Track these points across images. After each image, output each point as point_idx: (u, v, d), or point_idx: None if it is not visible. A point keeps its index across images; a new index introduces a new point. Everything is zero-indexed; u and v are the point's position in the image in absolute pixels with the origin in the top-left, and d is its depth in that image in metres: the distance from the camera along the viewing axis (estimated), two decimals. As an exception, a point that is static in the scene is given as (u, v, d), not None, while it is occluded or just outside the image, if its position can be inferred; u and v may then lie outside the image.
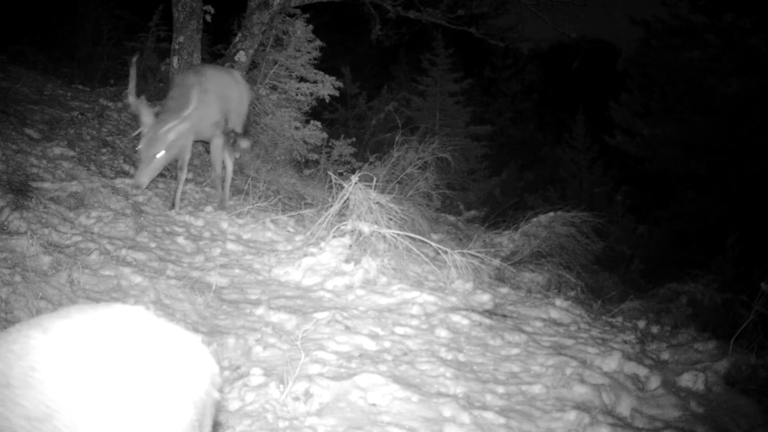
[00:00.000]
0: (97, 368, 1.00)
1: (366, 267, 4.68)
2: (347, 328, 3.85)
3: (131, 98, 4.92)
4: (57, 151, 5.75)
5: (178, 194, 5.43)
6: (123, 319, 1.08)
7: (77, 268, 3.78)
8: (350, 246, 4.88)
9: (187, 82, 5.19)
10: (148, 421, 0.99)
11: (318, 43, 8.07)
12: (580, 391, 3.36)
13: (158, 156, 4.87)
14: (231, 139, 5.99)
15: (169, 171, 6.02)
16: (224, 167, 5.95)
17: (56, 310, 1.10)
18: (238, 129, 6.00)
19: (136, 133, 4.97)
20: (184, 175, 5.46)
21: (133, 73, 4.95)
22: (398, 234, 4.99)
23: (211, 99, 5.40)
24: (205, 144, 7.21)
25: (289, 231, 5.55)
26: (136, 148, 4.93)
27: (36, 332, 1.02)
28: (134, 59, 5.04)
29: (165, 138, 4.86)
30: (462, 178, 12.99)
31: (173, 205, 5.38)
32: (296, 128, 8.05)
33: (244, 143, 6.15)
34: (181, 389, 1.04)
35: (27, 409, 0.93)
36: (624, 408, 3.34)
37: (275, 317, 3.88)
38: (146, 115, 4.88)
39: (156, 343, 1.06)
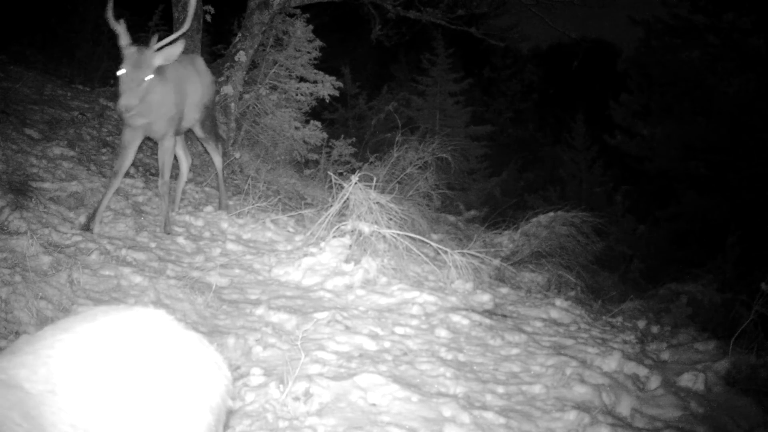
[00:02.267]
0: (126, 374, 1.01)
1: (366, 267, 4.68)
2: (347, 328, 3.85)
3: (109, 15, 4.39)
4: (57, 151, 5.75)
5: (103, 205, 4.69)
6: (145, 324, 1.10)
7: (77, 268, 3.78)
8: (350, 246, 4.88)
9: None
10: (171, 425, 1.01)
11: (318, 43, 8.07)
12: (580, 391, 3.37)
13: (146, 79, 4.33)
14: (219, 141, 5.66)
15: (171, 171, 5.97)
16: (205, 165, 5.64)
17: (80, 313, 1.11)
18: (199, 132, 5.50)
19: (127, 48, 4.34)
20: (112, 190, 4.72)
21: None
22: (398, 234, 4.99)
23: (170, 87, 4.75)
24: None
25: (289, 231, 5.55)
26: (118, 73, 4.31)
27: (67, 336, 1.03)
28: None
29: (153, 58, 4.35)
30: (462, 178, 12.98)
31: (91, 222, 4.63)
32: (296, 128, 8.05)
33: (217, 159, 5.74)
34: (201, 395, 1.05)
35: (71, 417, 0.94)
36: (624, 408, 3.34)
37: (275, 317, 3.88)
38: (125, 37, 4.36)
39: (177, 350, 1.08)
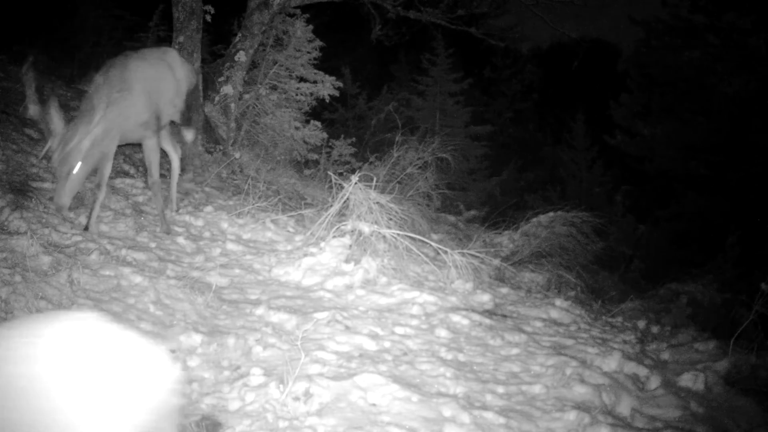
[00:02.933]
0: (58, 378, 1.00)
1: (366, 267, 4.68)
2: (347, 328, 3.85)
3: (32, 108, 4.15)
4: (57, 151, 5.74)
5: (94, 214, 4.61)
6: (85, 329, 1.09)
7: (77, 268, 3.78)
8: (350, 246, 4.88)
9: (98, 81, 4.46)
10: (100, 427, 1.00)
11: (318, 43, 8.08)
12: (580, 391, 3.36)
13: (75, 170, 4.12)
14: (188, 129, 5.39)
15: (168, 171, 5.95)
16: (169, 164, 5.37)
17: (18, 320, 1.12)
18: (177, 120, 5.30)
19: (45, 148, 4.17)
20: (102, 195, 4.65)
21: (29, 79, 4.20)
22: (398, 234, 4.99)
23: (136, 97, 4.58)
24: (203, 143, 7.23)
25: (289, 231, 5.55)
26: (50, 165, 4.19)
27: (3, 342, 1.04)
28: (28, 64, 4.23)
29: (79, 149, 4.11)
30: (462, 178, 12.99)
31: (87, 226, 4.57)
32: (296, 128, 8.06)
33: (189, 134, 5.43)
34: (138, 396, 1.04)
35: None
36: (624, 408, 3.34)
37: (275, 317, 3.88)
38: (57, 122, 4.13)
39: (113, 353, 1.07)
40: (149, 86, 4.72)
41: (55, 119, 4.12)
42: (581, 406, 3.20)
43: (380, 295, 4.44)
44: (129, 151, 6.37)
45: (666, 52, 14.35)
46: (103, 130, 4.27)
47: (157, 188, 4.93)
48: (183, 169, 5.99)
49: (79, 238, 4.33)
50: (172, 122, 5.35)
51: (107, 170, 4.67)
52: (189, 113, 5.45)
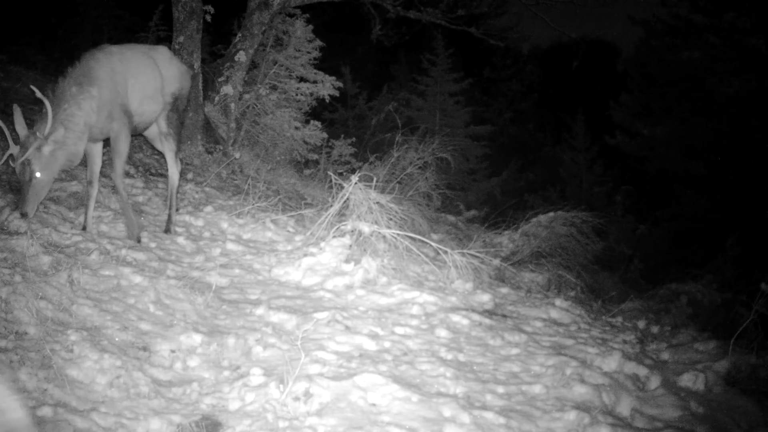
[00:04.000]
0: None
1: (366, 267, 4.68)
2: (347, 328, 3.85)
3: None
4: (57, 151, 5.73)
5: (89, 212, 4.57)
6: None
7: (77, 268, 3.78)
8: (350, 246, 4.88)
9: (60, 80, 4.29)
10: None
11: (318, 43, 8.08)
12: (580, 391, 3.37)
13: (36, 178, 4.05)
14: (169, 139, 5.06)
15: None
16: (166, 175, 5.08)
17: None
18: (163, 125, 5.01)
19: (6, 155, 4.09)
20: (95, 191, 4.58)
21: None
22: (398, 234, 4.99)
23: (100, 90, 4.36)
24: (203, 143, 7.23)
25: (289, 231, 5.55)
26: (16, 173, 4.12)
27: None
28: None
29: (38, 155, 4.04)
30: (462, 178, 13.01)
31: (84, 225, 4.54)
32: (296, 128, 8.05)
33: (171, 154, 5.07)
34: None
35: None
36: (624, 408, 3.34)
37: (275, 317, 3.88)
38: (20, 127, 4.05)
39: None
40: (117, 78, 4.48)
41: (19, 124, 4.06)
42: (581, 406, 3.20)
43: (380, 295, 4.44)
44: (128, 151, 6.36)
45: (666, 52, 14.36)
46: (66, 131, 4.17)
47: (120, 182, 4.63)
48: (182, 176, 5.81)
49: (79, 238, 4.33)
50: (171, 132, 5.07)
51: (97, 166, 4.63)
52: (177, 121, 5.09)
